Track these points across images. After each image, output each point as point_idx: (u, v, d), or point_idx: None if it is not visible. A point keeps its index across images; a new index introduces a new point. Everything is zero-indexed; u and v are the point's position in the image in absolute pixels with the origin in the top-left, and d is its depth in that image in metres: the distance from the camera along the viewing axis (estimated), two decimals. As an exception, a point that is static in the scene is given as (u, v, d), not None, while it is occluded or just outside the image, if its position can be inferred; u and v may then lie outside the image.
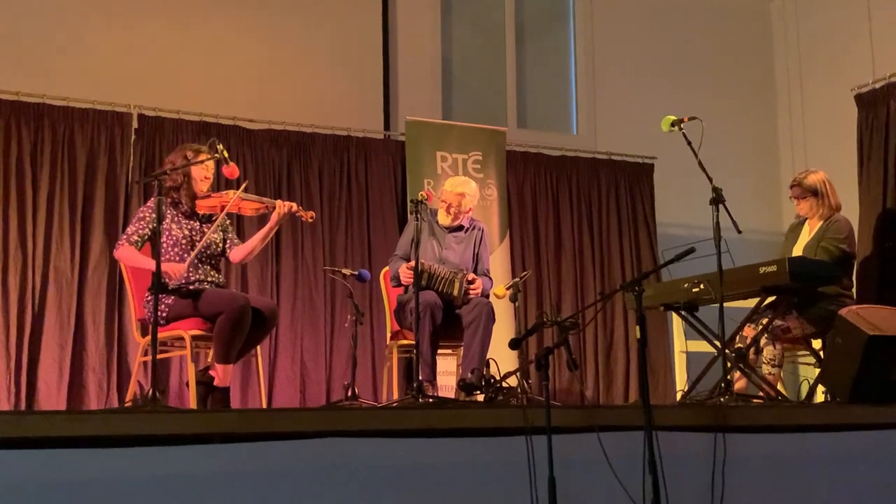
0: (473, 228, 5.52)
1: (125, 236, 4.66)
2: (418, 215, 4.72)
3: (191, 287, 4.64)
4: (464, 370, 4.96)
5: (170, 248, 4.69)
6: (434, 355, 5.03)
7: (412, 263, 5.12)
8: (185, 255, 4.69)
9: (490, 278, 5.48)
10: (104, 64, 6.46)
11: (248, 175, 6.25)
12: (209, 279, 4.75)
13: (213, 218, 4.84)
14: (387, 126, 7.24)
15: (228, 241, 4.93)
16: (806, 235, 5.36)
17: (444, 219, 5.42)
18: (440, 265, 5.17)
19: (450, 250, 5.36)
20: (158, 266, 4.02)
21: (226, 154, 4.53)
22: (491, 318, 5.04)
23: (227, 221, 4.95)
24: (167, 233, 4.69)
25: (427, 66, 7.52)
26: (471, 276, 5.21)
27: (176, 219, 4.75)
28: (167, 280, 4.59)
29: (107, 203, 6.16)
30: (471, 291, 5.14)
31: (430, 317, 4.87)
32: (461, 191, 5.42)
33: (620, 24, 8.13)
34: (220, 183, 5.91)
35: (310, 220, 4.90)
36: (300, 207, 4.83)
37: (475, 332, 4.98)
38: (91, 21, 6.52)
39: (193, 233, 4.76)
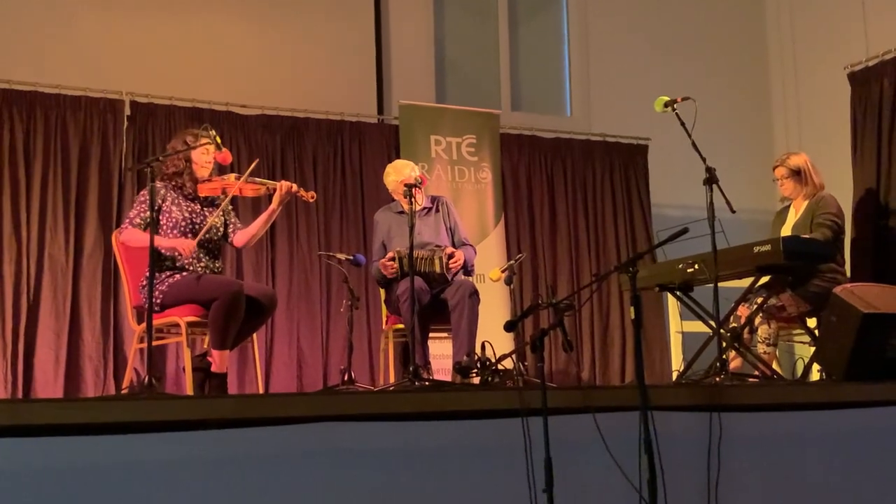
0: (437, 204, 5.52)
1: (128, 220, 4.68)
2: (412, 199, 4.72)
3: (184, 273, 4.65)
4: (457, 354, 4.97)
5: (169, 231, 4.70)
6: (424, 339, 5.04)
7: (391, 254, 5.14)
8: (185, 238, 4.70)
9: (471, 246, 5.49)
10: (96, 51, 6.44)
11: (243, 160, 6.23)
12: (204, 262, 4.75)
13: (216, 202, 4.85)
14: (380, 110, 7.23)
15: (231, 226, 4.94)
16: (793, 217, 5.39)
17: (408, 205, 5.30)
18: (419, 249, 5.16)
19: (424, 234, 5.34)
20: (152, 252, 4.02)
21: (218, 140, 4.53)
22: (475, 298, 5.05)
23: (230, 206, 4.95)
24: (167, 214, 4.70)
25: (420, 49, 7.50)
26: (449, 250, 5.22)
27: (177, 201, 4.76)
28: (179, 257, 4.61)
29: (100, 190, 6.15)
30: (451, 264, 5.15)
31: (416, 300, 4.88)
32: (413, 172, 5.40)
33: (613, 5, 8.10)
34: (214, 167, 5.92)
35: (311, 200, 4.92)
36: (300, 188, 4.84)
37: (461, 314, 4.99)
38: (82, 8, 6.49)
39: (194, 215, 4.77)
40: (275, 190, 4.79)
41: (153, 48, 6.58)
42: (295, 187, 4.81)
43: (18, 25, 6.28)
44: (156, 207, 4.61)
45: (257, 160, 4.96)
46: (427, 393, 3.95)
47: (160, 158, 4.57)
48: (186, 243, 4.60)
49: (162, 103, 6.39)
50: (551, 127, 7.61)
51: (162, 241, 4.60)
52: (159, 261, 4.63)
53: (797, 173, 5.36)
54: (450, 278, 5.15)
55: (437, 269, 5.11)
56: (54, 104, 6.12)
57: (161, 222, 4.70)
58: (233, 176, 4.86)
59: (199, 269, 4.72)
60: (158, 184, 4.70)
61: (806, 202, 5.34)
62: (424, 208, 5.46)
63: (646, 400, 3.19)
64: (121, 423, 2.85)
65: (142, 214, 4.64)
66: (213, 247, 4.86)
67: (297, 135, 6.75)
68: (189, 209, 4.77)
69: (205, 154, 4.78)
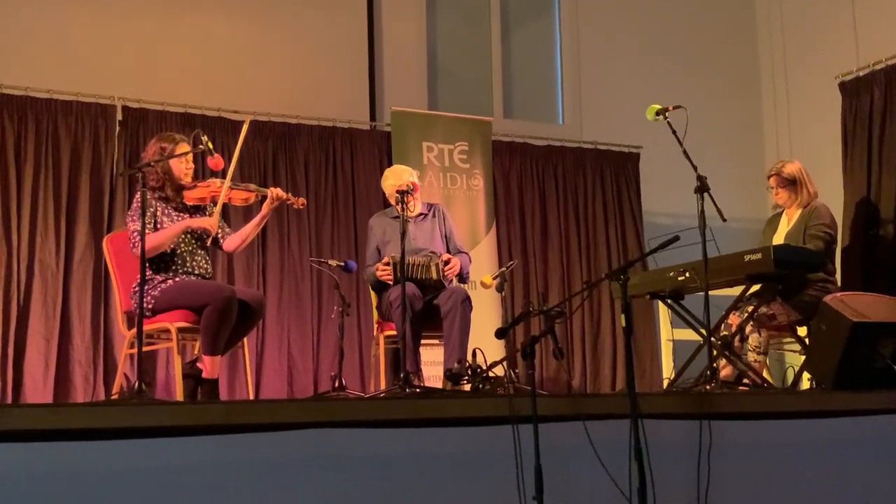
0: (433, 211, 5.52)
1: (136, 232, 4.55)
2: (403, 206, 4.71)
3: (177, 279, 4.64)
4: (448, 360, 4.96)
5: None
6: (416, 345, 5.04)
7: (386, 259, 5.14)
8: (177, 248, 4.69)
9: (466, 253, 5.49)
10: (88, 56, 6.43)
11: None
12: (198, 271, 4.74)
13: (206, 210, 4.83)
14: (373, 116, 7.23)
15: (220, 231, 4.92)
16: (785, 225, 5.41)
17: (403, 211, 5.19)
18: (414, 255, 5.16)
19: (419, 240, 5.34)
20: (143, 259, 4.01)
21: (210, 146, 4.52)
22: (467, 305, 5.05)
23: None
24: (160, 226, 4.68)
25: (412, 56, 7.51)
26: (445, 256, 5.22)
27: (166, 211, 4.74)
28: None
29: (91, 195, 6.13)
30: (446, 271, 5.14)
31: (409, 307, 4.87)
32: (410, 178, 5.38)
33: (605, 13, 8.13)
34: (206, 173, 5.92)
35: (301, 207, 4.91)
36: (290, 194, 4.83)
37: (453, 321, 4.99)
38: (74, 12, 6.49)
39: (200, 217, 4.77)
40: (264, 197, 4.78)
41: (145, 53, 6.57)
42: (285, 194, 4.80)
43: (10, 30, 6.27)
44: (147, 214, 4.58)
45: (249, 118, 4.95)
46: (418, 400, 3.95)
47: (151, 164, 4.55)
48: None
49: (154, 108, 6.38)
50: (543, 134, 7.62)
51: (191, 222, 4.66)
52: (156, 262, 4.62)
53: (792, 182, 5.37)
54: (446, 285, 5.16)
55: (434, 276, 5.11)
56: (46, 109, 6.10)
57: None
58: (217, 181, 4.83)
59: (194, 276, 4.70)
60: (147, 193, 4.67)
61: (799, 211, 5.35)
62: (420, 214, 5.46)
63: (636, 408, 3.19)
64: (110, 429, 2.85)
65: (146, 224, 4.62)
66: (205, 250, 4.85)
67: (289, 141, 6.75)
68: (179, 220, 4.75)
69: (182, 163, 4.75)
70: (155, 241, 4.55)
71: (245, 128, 4.80)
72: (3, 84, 6.00)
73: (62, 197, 6.06)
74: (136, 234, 4.54)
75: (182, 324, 4.56)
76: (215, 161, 4.60)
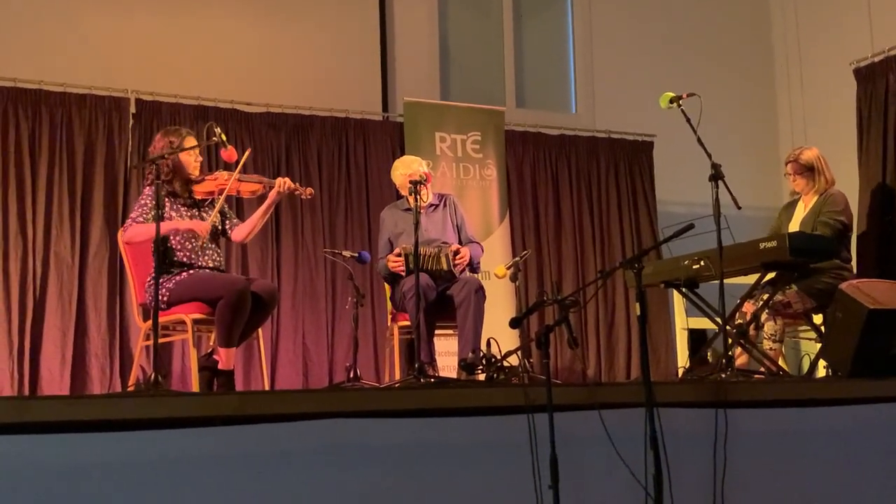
0: (445, 201, 5.52)
1: (130, 219, 4.66)
2: (417, 196, 4.70)
3: (191, 271, 4.65)
4: (462, 350, 4.97)
5: (171, 236, 4.68)
6: (430, 335, 5.04)
7: (398, 250, 5.14)
8: (188, 243, 4.70)
9: (478, 243, 5.49)
10: (101, 49, 6.45)
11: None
12: (211, 264, 4.75)
13: (214, 203, 4.84)
14: (385, 107, 7.23)
15: (228, 223, 4.94)
16: (801, 211, 5.38)
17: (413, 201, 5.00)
18: (426, 246, 5.15)
19: (430, 231, 5.34)
20: (157, 251, 4.03)
21: (224, 137, 4.52)
22: (480, 294, 5.05)
23: (226, 205, 4.95)
24: (167, 220, 4.68)
25: (425, 46, 7.50)
26: (455, 247, 5.22)
27: (175, 207, 4.75)
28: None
29: (106, 188, 6.16)
30: (457, 261, 5.14)
31: (423, 297, 4.87)
32: (421, 168, 5.39)
33: (618, 1, 8.09)
34: (220, 165, 5.93)
35: (308, 197, 4.90)
36: (298, 185, 4.83)
37: (466, 311, 4.99)
38: (87, 6, 6.51)
39: (194, 220, 4.76)
40: (272, 187, 4.78)
41: (158, 46, 6.59)
42: (292, 185, 4.79)
43: (23, 24, 6.29)
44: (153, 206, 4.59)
45: (249, 150, 4.95)
46: (432, 390, 3.96)
47: (165, 156, 4.56)
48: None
49: (167, 101, 6.40)
50: (556, 124, 7.60)
51: (178, 224, 4.62)
52: (166, 259, 4.63)
53: (809, 169, 5.33)
54: (457, 275, 5.16)
55: (445, 267, 5.11)
56: (59, 102, 6.13)
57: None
58: (225, 173, 4.83)
59: (205, 262, 4.72)
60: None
61: (815, 198, 5.32)
62: (431, 205, 5.46)
63: (651, 396, 3.18)
64: (127, 421, 2.86)
65: (144, 214, 4.63)
66: (216, 243, 4.86)
67: (302, 132, 6.76)
68: (189, 215, 4.76)
69: (192, 156, 4.76)
70: (140, 231, 4.61)
71: (244, 157, 4.77)
72: (16, 78, 6.02)
73: (77, 190, 6.09)
74: (128, 220, 4.67)
75: (197, 315, 4.58)
76: (229, 153, 4.60)
